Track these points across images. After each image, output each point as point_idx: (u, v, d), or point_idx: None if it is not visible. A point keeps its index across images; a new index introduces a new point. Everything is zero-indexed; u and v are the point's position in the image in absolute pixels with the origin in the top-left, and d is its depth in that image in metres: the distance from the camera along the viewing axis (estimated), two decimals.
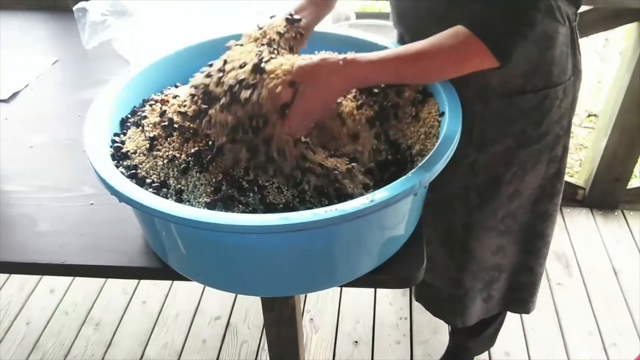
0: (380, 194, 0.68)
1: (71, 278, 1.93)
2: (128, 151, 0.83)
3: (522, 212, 1.17)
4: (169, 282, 1.91)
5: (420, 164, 0.73)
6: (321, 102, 0.80)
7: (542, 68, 0.97)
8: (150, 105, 0.91)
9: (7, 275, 1.94)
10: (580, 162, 2.48)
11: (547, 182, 1.13)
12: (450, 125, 0.80)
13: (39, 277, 1.94)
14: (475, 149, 1.05)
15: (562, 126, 1.06)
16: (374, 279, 0.82)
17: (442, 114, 0.86)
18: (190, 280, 0.85)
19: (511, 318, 1.76)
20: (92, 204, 0.97)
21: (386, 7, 2.45)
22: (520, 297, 1.35)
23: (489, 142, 1.05)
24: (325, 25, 1.31)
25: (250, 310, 1.83)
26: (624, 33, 2.50)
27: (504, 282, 1.31)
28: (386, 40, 1.03)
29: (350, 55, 0.79)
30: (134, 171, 0.80)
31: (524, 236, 1.22)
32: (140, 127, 0.87)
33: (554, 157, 1.09)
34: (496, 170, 1.09)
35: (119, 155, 0.83)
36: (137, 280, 1.91)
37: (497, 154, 1.06)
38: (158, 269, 0.86)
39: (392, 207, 0.70)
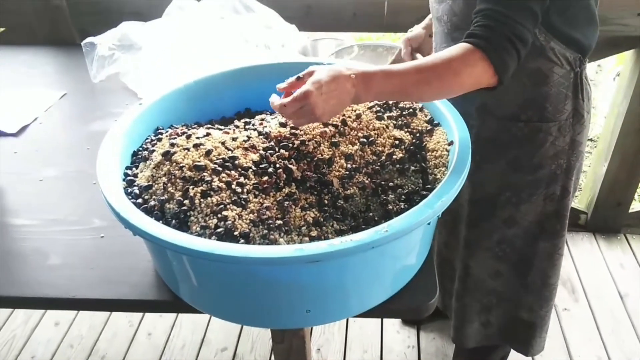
0: (395, 224, 0.69)
1: (76, 310, 1.92)
2: (140, 185, 0.84)
3: (520, 243, 1.20)
4: (175, 313, 1.89)
5: (433, 193, 0.74)
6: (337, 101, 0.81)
7: (536, 102, 1.02)
8: (160, 139, 0.92)
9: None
10: (580, 187, 2.49)
11: (546, 221, 1.16)
12: (460, 154, 0.81)
13: (44, 309, 1.93)
14: (473, 163, 1.07)
15: (560, 165, 1.09)
16: (388, 309, 0.82)
17: (450, 143, 0.87)
18: (203, 313, 0.85)
19: None
20: (102, 236, 0.98)
21: (384, 39, 2.50)
22: (520, 336, 1.38)
23: (483, 159, 1.10)
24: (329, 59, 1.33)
25: (256, 340, 1.81)
26: (615, 60, 2.53)
27: (504, 311, 1.34)
28: None
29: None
30: (146, 205, 0.81)
31: (523, 269, 1.25)
32: (149, 162, 0.88)
33: (551, 195, 1.13)
34: (490, 190, 1.14)
35: (131, 189, 0.84)
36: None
37: (492, 174, 1.12)
38: (169, 302, 0.86)
39: (405, 237, 0.70)
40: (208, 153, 0.84)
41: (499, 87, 0.84)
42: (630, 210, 2.15)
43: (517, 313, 1.33)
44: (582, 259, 2.08)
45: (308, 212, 0.80)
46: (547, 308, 1.32)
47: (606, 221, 2.17)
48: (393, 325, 1.84)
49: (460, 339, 1.43)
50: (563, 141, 1.06)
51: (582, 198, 2.26)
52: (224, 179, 0.81)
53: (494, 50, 0.81)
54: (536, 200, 1.13)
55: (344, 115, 0.93)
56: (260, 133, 0.92)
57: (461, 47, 0.82)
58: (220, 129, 0.96)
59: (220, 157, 0.84)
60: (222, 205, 0.78)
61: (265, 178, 0.83)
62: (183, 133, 0.92)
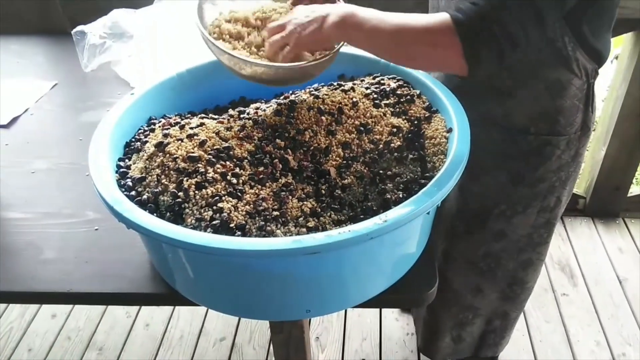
0: (393, 214, 0.67)
1: (72, 304, 1.91)
2: (133, 177, 0.82)
3: (506, 257, 1.16)
4: (172, 306, 1.88)
5: (431, 182, 0.73)
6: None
7: (549, 115, 0.96)
8: (153, 130, 0.90)
9: None
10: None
11: (536, 232, 1.13)
12: (460, 142, 0.80)
13: (39, 304, 1.91)
14: (469, 174, 0.96)
15: (560, 177, 1.05)
16: (387, 299, 0.81)
17: (449, 130, 0.85)
18: (199, 306, 0.84)
19: (519, 330, 1.75)
20: (96, 229, 0.96)
21: None
22: (490, 341, 1.36)
23: (483, 171, 1.05)
24: None
25: (255, 330, 1.80)
26: (613, 42, 2.51)
27: (478, 327, 1.31)
28: None
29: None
30: (139, 198, 0.79)
31: (505, 283, 1.21)
32: (142, 154, 0.86)
33: (546, 206, 1.09)
34: (485, 203, 1.09)
35: (124, 181, 0.82)
36: None
37: (489, 186, 1.07)
38: (165, 294, 0.85)
39: (404, 227, 0.69)
40: (202, 144, 0.83)
41: (468, 75, 0.75)
42: (629, 195, 2.14)
43: (491, 324, 1.31)
44: (581, 244, 2.08)
45: (305, 202, 0.79)
46: (520, 310, 1.30)
47: (605, 205, 2.16)
48: (392, 312, 1.84)
49: (429, 352, 1.41)
50: (568, 155, 1.02)
51: (581, 182, 2.25)
52: (218, 170, 0.79)
53: (472, 42, 0.71)
54: (530, 212, 1.09)
55: (340, 103, 0.91)
56: (255, 122, 0.90)
57: (442, 20, 0.73)
58: (215, 119, 0.94)
59: (215, 147, 0.82)
60: (217, 197, 0.76)
61: (261, 168, 0.82)
62: (176, 123, 0.90)
